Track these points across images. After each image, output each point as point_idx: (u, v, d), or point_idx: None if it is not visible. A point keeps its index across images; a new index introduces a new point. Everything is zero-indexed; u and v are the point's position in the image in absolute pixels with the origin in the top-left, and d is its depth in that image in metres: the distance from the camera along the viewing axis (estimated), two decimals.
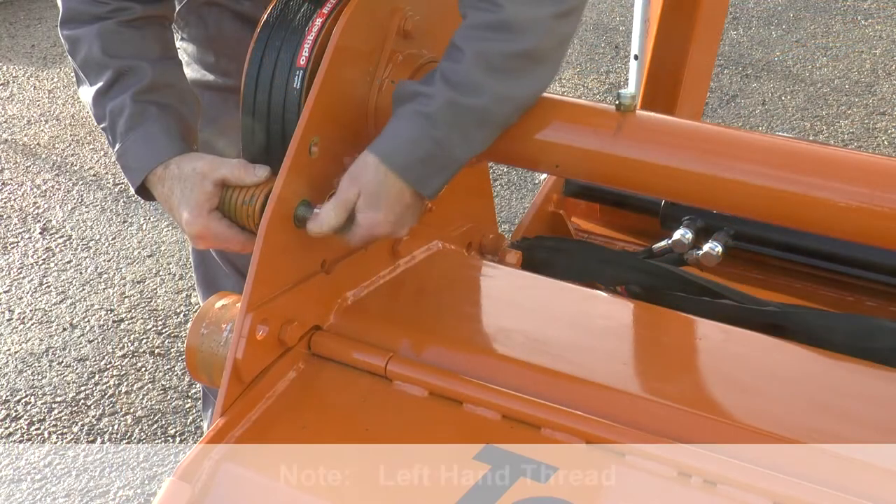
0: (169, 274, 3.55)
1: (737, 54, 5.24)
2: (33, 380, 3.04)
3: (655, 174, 1.42)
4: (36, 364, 3.11)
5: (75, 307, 3.38)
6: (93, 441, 2.81)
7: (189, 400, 2.95)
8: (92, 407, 2.93)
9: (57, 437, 2.82)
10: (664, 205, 1.96)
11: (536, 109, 1.46)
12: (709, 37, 2.43)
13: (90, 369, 3.08)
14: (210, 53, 1.78)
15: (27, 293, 3.46)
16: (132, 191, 1.50)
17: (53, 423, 2.88)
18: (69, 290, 3.47)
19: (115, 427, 2.86)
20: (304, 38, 1.38)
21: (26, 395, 2.98)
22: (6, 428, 2.86)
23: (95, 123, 1.52)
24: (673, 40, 2.36)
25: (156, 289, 3.47)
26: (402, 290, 1.52)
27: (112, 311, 3.35)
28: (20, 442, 2.81)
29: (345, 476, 1.21)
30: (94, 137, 4.48)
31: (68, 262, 3.62)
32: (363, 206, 1.34)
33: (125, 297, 3.42)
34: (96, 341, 3.21)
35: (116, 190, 4.05)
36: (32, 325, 3.29)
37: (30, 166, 4.28)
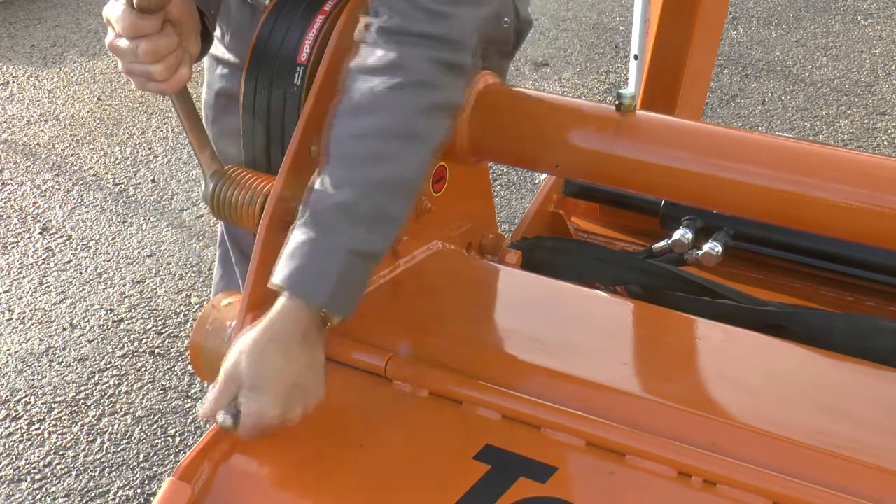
0: (169, 274, 3.55)
1: (737, 54, 5.24)
2: (33, 380, 3.04)
3: (655, 174, 1.42)
4: (36, 364, 3.11)
5: (75, 307, 3.37)
6: (93, 441, 2.81)
7: (189, 400, 2.95)
8: (92, 407, 2.93)
9: (57, 437, 2.82)
10: (664, 205, 1.96)
11: (536, 109, 1.46)
12: (709, 37, 2.43)
13: (90, 369, 3.08)
14: (219, 29, 1.78)
15: (27, 293, 3.45)
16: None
17: (53, 423, 2.88)
18: (69, 290, 3.47)
19: (115, 427, 2.86)
20: (305, 35, 1.39)
21: (26, 395, 2.98)
22: (6, 428, 2.86)
23: None
24: (673, 40, 2.36)
25: (156, 289, 3.46)
26: (402, 290, 1.52)
27: (112, 311, 3.35)
28: (20, 442, 2.81)
29: (345, 476, 1.21)
30: (93, 137, 4.48)
31: (68, 262, 3.62)
32: (244, 395, 1.23)
33: (125, 297, 3.42)
34: (96, 341, 3.21)
35: (116, 190, 4.05)
36: (32, 325, 3.29)
37: (30, 166, 4.28)
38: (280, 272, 1.24)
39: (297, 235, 1.24)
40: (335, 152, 1.26)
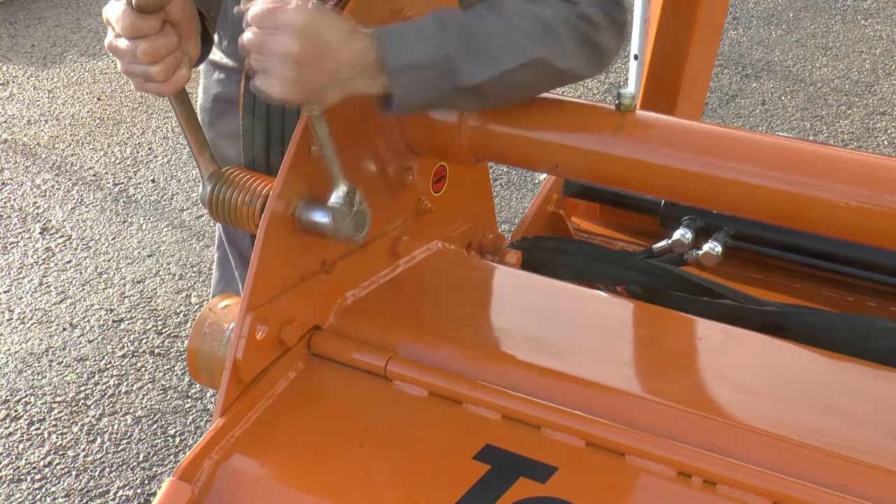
0: (169, 274, 3.55)
1: (737, 54, 5.24)
2: (33, 380, 3.04)
3: (655, 174, 1.42)
4: (36, 364, 3.11)
5: (75, 307, 3.38)
6: (93, 441, 2.81)
7: (189, 400, 2.95)
8: (92, 407, 2.93)
9: (57, 437, 2.82)
10: (664, 205, 1.96)
11: (536, 109, 1.46)
12: (709, 37, 2.44)
13: (90, 369, 3.08)
14: (216, 34, 1.78)
15: (27, 293, 3.46)
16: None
17: (53, 423, 2.88)
18: (69, 290, 3.47)
19: (115, 427, 2.86)
20: None
21: (26, 395, 2.98)
22: (6, 428, 2.86)
23: None
24: (673, 40, 2.36)
25: (156, 289, 3.47)
26: (402, 290, 1.52)
27: (112, 311, 3.36)
28: (20, 442, 2.81)
29: (345, 476, 1.21)
30: (93, 137, 4.48)
31: (68, 262, 3.62)
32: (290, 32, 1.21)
33: (125, 297, 3.42)
34: (96, 341, 3.21)
35: (116, 190, 4.05)
36: (32, 325, 3.29)
37: (30, 166, 4.28)
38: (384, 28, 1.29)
39: (423, 20, 1.31)
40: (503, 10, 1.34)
